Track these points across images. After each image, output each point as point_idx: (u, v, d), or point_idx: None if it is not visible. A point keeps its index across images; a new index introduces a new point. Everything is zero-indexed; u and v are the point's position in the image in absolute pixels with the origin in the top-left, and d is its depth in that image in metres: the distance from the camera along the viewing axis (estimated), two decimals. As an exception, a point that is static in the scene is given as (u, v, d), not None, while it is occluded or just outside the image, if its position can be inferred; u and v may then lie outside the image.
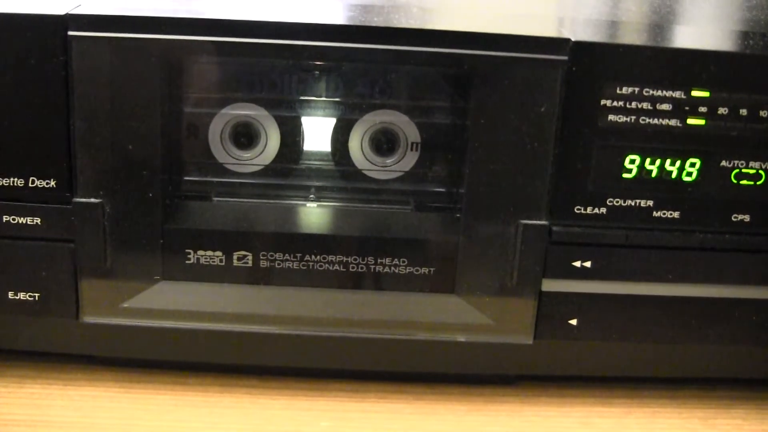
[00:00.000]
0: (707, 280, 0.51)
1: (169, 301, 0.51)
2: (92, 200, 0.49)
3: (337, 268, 0.51)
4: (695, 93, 0.48)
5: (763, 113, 0.49)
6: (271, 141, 0.53)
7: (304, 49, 0.47)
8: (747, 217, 0.51)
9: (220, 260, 0.51)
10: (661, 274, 0.51)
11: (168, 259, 0.51)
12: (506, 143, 0.48)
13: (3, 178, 0.48)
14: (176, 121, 0.52)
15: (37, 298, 0.51)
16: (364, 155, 0.54)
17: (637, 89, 0.48)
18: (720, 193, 0.50)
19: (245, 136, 0.53)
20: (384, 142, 0.53)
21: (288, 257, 0.51)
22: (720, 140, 0.49)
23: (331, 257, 0.51)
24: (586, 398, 0.56)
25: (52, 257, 0.50)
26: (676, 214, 0.50)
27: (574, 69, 0.47)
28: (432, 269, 0.52)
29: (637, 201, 0.50)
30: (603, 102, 0.48)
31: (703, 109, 0.48)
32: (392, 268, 0.52)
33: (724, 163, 0.50)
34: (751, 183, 0.50)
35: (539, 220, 0.50)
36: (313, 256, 0.51)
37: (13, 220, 0.49)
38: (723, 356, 0.55)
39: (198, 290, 0.51)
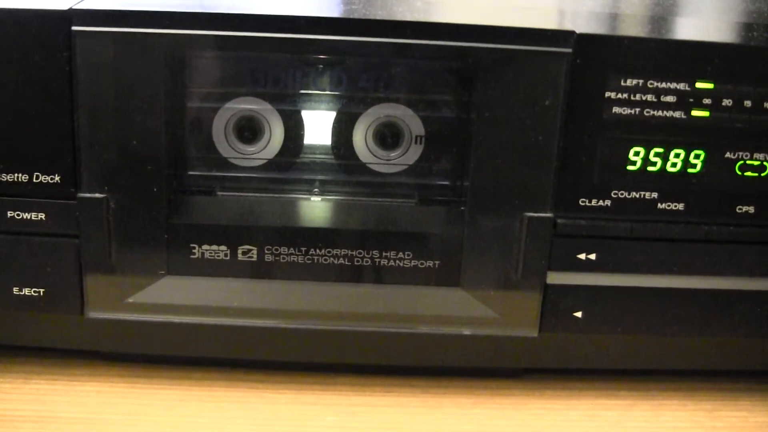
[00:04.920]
0: (712, 272, 0.51)
1: (174, 296, 0.51)
2: (97, 195, 0.49)
3: (342, 262, 0.51)
4: (699, 85, 0.48)
5: (767, 105, 0.49)
6: (275, 135, 0.53)
7: (307, 43, 0.47)
8: (751, 209, 0.51)
9: (225, 255, 0.51)
10: (666, 266, 0.51)
11: (173, 254, 0.51)
12: (510, 136, 0.48)
13: (7, 173, 0.48)
14: (180, 116, 0.52)
15: (41, 294, 0.51)
16: (368, 149, 0.54)
17: (641, 81, 0.48)
18: (724, 185, 0.50)
19: (249, 130, 0.53)
20: (388, 136, 0.53)
21: (293, 251, 0.51)
22: (724, 132, 0.49)
23: (335, 251, 0.51)
24: (591, 391, 0.56)
25: (57, 253, 0.50)
26: (680, 206, 0.50)
27: (578, 61, 0.47)
28: (437, 263, 0.52)
29: (642, 193, 0.50)
30: (607, 94, 0.48)
31: (707, 101, 0.48)
32: (397, 261, 0.52)
33: (728, 154, 0.50)
34: (756, 174, 0.50)
35: (544, 212, 0.50)
36: (317, 250, 0.51)
37: (18, 215, 0.49)
38: (728, 348, 0.55)
39: (203, 285, 0.51)
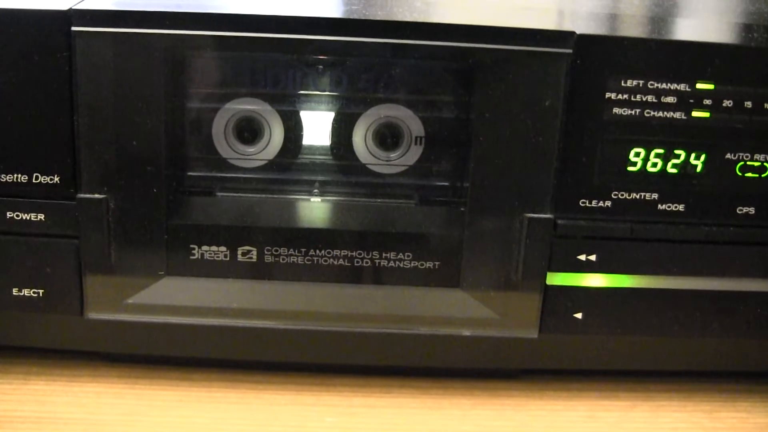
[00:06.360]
0: (712, 273, 0.51)
1: (173, 297, 0.51)
2: (96, 196, 0.49)
3: (342, 262, 0.51)
4: (700, 86, 0.48)
5: (767, 106, 0.49)
6: (275, 136, 0.53)
7: (307, 44, 0.47)
8: (752, 210, 0.51)
9: (225, 255, 0.51)
10: (666, 267, 0.51)
11: (172, 255, 0.51)
12: (511, 137, 0.48)
13: (7, 174, 0.48)
14: (180, 117, 0.52)
15: (41, 295, 0.50)
16: (368, 149, 0.54)
17: (641, 82, 0.48)
18: (725, 186, 0.50)
19: (249, 131, 0.53)
20: (388, 137, 0.53)
21: (292, 252, 0.51)
22: (725, 133, 0.49)
23: (335, 252, 0.51)
24: (591, 392, 0.56)
25: (57, 253, 0.50)
26: (681, 207, 0.50)
27: (578, 62, 0.47)
28: (437, 263, 0.52)
29: (642, 194, 0.50)
30: (608, 95, 0.48)
31: (707, 102, 0.48)
32: (397, 262, 0.52)
33: (728, 155, 0.50)
34: (756, 175, 0.50)
35: (544, 213, 0.50)
36: (317, 251, 0.51)
37: (17, 216, 0.49)
38: (728, 349, 0.55)
39: (202, 286, 0.51)
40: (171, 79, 0.49)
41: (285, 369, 0.56)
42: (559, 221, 0.50)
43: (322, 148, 0.54)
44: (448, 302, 0.52)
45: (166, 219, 0.50)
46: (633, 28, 0.54)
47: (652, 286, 0.51)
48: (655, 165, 0.50)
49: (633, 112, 0.48)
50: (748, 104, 0.48)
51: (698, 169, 0.50)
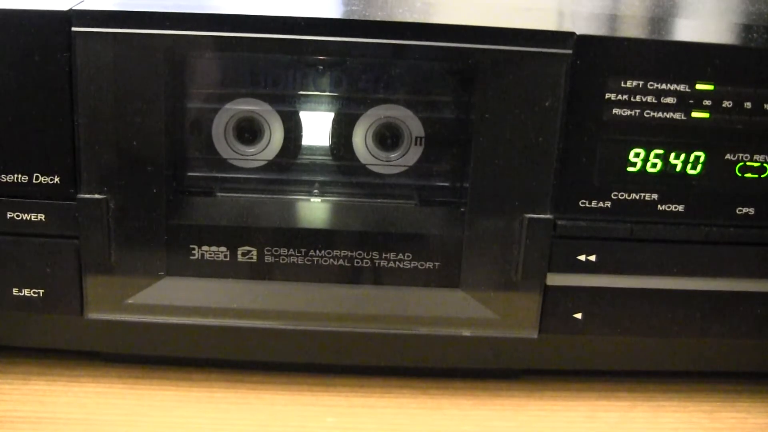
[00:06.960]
0: (712, 274, 0.51)
1: (173, 297, 0.51)
2: (96, 196, 0.49)
3: (342, 263, 0.51)
4: (699, 86, 0.48)
5: (767, 106, 0.49)
6: (275, 136, 0.53)
7: (307, 44, 0.47)
8: (751, 210, 0.51)
9: (225, 256, 0.51)
10: (665, 267, 0.51)
11: (172, 255, 0.51)
12: (511, 137, 0.48)
13: (7, 174, 0.48)
14: (180, 117, 0.52)
15: (41, 295, 0.50)
16: (368, 150, 0.54)
17: (641, 83, 0.48)
18: (724, 187, 0.50)
19: (249, 131, 0.53)
20: (388, 137, 0.53)
21: (292, 252, 0.51)
22: (724, 133, 0.49)
23: (335, 252, 0.51)
24: (591, 392, 0.56)
25: (57, 254, 0.50)
26: (680, 208, 0.50)
27: (578, 63, 0.47)
28: (437, 264, 0.52)
29: (642, 195, 0.50)
30: (607, 96, 0.48)
31: (707, 103, 0.48)
32: (397, 263, 0.52)
33: (728, 156, 0.50)
34: (756, 176, 0.50)
35: (544, 214, 0.50)
36: (317, 251, 0.51)
37: (17, 216, 0.49)
38: (728, 349, 0.55)
39: (202, 286, 0.51)
40: (171, 79, 0.49)
41: (285, 369, 0.56)
42: (559, 222, 0.50)
43: (322, 148, 0.54)
44: (448, 302, 0.52)
45: (166, 219, 0.50)
46: (633, 28, 0.54)
47: (652, 286, 0.51)
48: (654, 165, 0.50)
49: (633, 113, 0.48)
50: (748, 105, 0.48)
51: (698, 170, 0.50)
